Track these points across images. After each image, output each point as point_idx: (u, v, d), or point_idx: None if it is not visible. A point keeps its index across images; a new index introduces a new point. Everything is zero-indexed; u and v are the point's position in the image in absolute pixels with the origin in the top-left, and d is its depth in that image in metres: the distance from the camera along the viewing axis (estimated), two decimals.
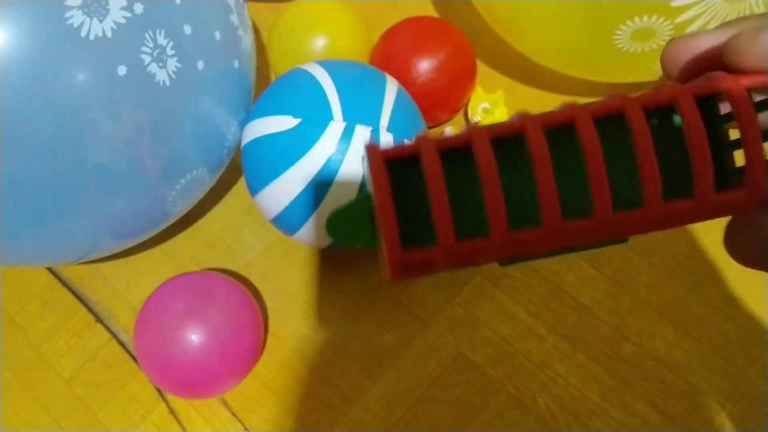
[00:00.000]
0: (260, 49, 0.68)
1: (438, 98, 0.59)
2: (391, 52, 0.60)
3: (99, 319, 0.60)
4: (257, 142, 0.52)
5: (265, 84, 0.67)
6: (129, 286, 0.61)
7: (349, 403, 0.54)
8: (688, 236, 0.57)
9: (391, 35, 0.61)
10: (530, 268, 0.57)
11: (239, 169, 0.65)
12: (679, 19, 0.47)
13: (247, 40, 0.54)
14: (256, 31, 0.71)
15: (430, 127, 0.58)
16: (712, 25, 0.47)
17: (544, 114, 0.20)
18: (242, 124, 0.54)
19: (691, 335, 0.53)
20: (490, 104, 0.61)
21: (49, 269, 0.62)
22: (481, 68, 0.64)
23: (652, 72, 0.55)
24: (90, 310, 0.60)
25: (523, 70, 0.63)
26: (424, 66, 0.58)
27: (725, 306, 0.54)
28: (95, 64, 0.42)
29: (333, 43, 0.61)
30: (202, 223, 0.63)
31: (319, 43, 0.61)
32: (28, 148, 0.42)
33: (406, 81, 0.57)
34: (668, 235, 0.57)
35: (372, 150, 0.21)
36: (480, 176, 0.20)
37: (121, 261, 0.62)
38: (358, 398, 0.54)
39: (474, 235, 0.20)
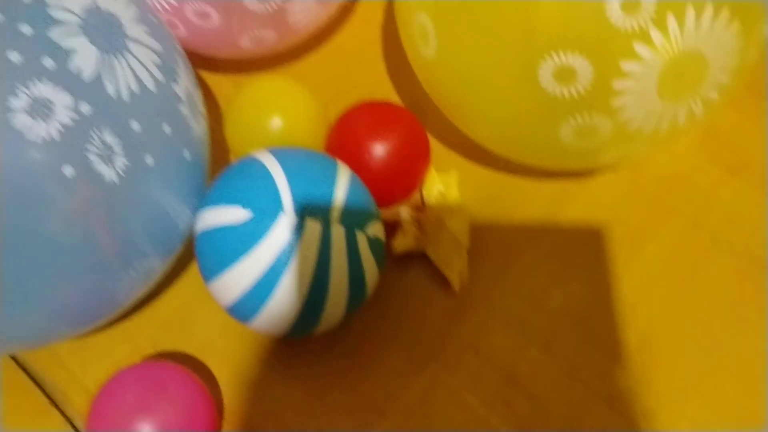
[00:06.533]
0: (218, 121, 0.68)
1: (393, 180, 0.60)
2: (346, 136, 0.61)
3: (54, 403, 0.59)
4: (209, 233, 0.52)
5: (222, 158, 0.68)
6: (85, 368, 0.60)
7: None
8: (641, 324, 0.57)
9: (346, 119, 0.62)
10: (486, 355, 0.57)
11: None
12: (620, 118, 0.48)
13: (199, 129, 0.54)
14: (215, 103, 0.71)
15: (385, 208, 0.59)
16: (650, 126, 0.48)
17: None
18: (196, 210, 0.55)
19: (639, 427, 0.53)
20: (444, 186, 0.62)
21: None
22: (435, 147, 0.65)
23: (598, 162, 0.57)
24: (45, 393, 0.60)
25: (476, 150, 0.63)
26: (378, 150, 0.59)
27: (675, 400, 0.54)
28: (41, 166, 0.42)
29: (289, 123, 0.61)
30: (159, 302, 0.63)
31: (275, 123, 0.61)
32: None
33: (361, 163, 0.58)
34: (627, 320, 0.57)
35: None
36: None
37: (77, 343, 0.61)
38: None
39: None
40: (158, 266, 0.54)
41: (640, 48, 0.44)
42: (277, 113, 0.61)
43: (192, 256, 0.64)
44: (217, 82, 0.73)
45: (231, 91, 0.71)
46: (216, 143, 0.60)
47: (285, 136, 0.61)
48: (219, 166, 0.59)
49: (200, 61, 0.69)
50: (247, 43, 0.63)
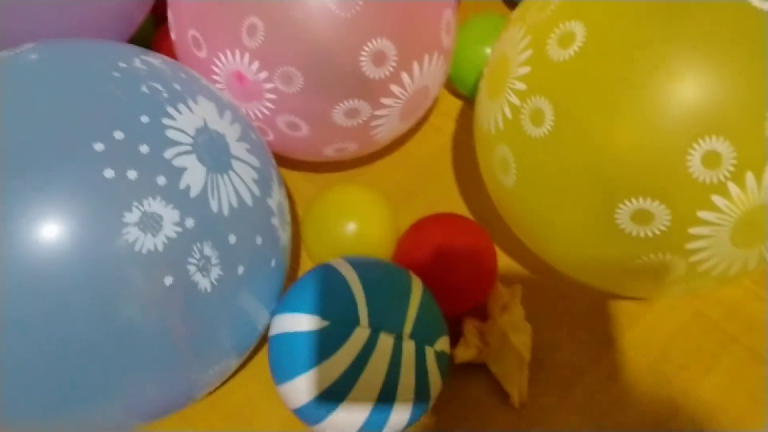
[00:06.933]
0: (294, 218, 0.71)
1: (459, 292, 0.62)
2: (416, 245, 0.63)
3: None
4: (284, 337, 0.54)
5: (297, 256, 0.71)
6: None
7: None
8: None
9: (417, 229, 0.65)
10: None
11: (263, 340, 0.67)
12: (693, 259, 0.49)
13: (285, 237, 0.57)
14: (293, 201, 0.75)
15: (452, 318, 0.60)
16: (721, 268, 0.50)
17: None
18: (273, 312, 0.57)
19: None
20: (508, 300, 0.63)
21: None
22: (502, 260, 0.67)
23: (665, 294, 0.58)
24: None
25: (542, 266, 0.65)
26: (447, 261, 0.61)
27: None
28: (144, 275, 0.45)
29: (363, 229, 0.65)
30: (224, 390, 0.65)
31: (350, 228, 0.64)
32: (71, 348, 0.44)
33: (429, 273, 0.60)
34: None
35: None
36: None
37: (142, 427, 0.63)
38: None
39: None
40: (233, 364, 0.56)
41: (717, 200, 0.46)
42: (353, 219, 0.64)
43: (260, 348, 0.67)
44: (292, 178, 0.76)
45: (305, 188, 0.75)
46: (291, 240, 0.63)
47: (358, 241, 0.64)
48: (293, 264, 0.61)
49: (278, 159, 0.73)
50: (330, 152, 0.66)
